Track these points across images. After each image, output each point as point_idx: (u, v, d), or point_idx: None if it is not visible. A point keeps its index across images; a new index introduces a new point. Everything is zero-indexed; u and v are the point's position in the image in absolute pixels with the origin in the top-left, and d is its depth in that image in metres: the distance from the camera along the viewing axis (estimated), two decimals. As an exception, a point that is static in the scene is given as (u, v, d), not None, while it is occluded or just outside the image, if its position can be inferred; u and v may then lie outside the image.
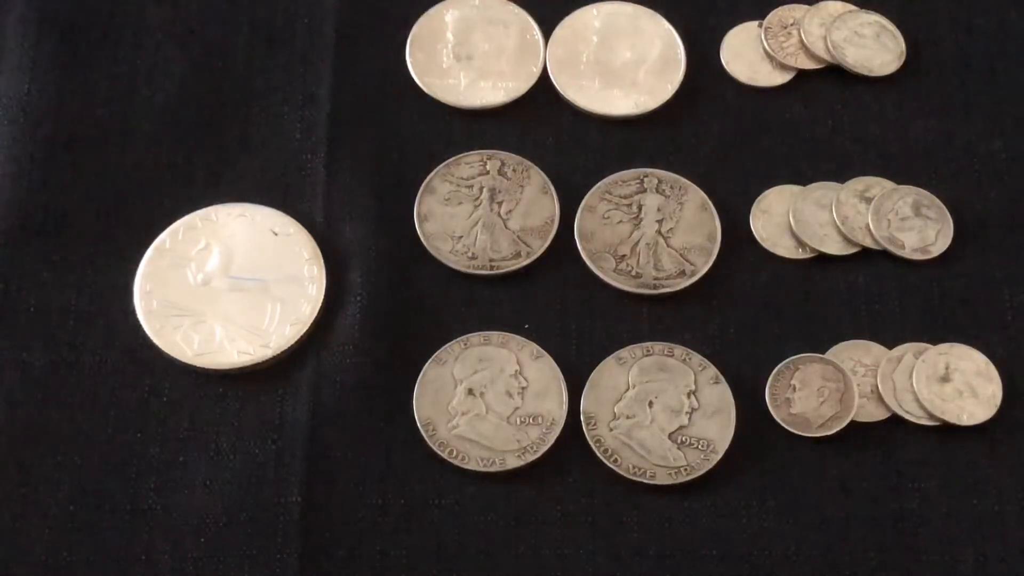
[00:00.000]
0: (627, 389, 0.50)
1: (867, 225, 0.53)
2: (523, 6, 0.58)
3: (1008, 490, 0.48)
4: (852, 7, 0.58)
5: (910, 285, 0.52)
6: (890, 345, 0.51)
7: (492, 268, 0.52)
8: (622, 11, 0.58)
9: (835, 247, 0.53)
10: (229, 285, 0.52)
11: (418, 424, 0.49)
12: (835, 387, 0.50)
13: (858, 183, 0.54)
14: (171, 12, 0.58)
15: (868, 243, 0.53)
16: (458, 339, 0.51)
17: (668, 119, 0.56)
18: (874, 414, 0.50)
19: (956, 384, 0.50)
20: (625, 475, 0.48)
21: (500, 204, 0.53)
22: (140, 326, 0.51)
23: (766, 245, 0.53)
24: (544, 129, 0.56)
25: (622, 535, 0.48)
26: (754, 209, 0.54)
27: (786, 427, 0.49)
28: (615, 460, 0.48)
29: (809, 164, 0.55)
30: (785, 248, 0.53)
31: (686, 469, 0.48)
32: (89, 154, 0.55)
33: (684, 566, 0.47)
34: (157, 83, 0.56)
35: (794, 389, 0.50)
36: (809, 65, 0.57)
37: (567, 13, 0.58)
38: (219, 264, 0.52)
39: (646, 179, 0.54)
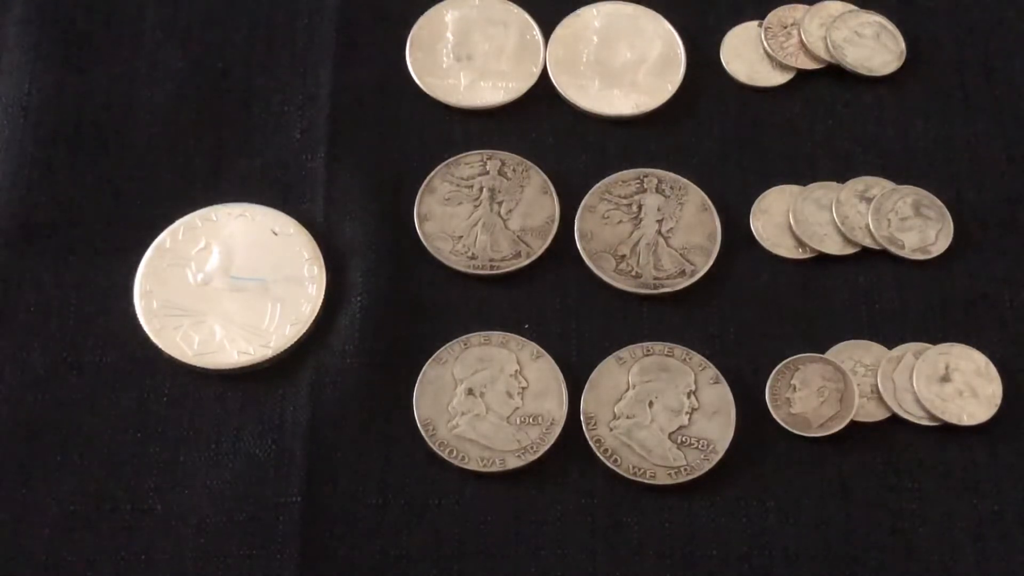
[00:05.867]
0: (627, 389, 0.50)
1: (867, 225, 0.53)
2: (523, 6, 0.58)
3: (1008, 490, 0.48)
4: (852, 7, 0.58)
5: (910, 285, 0.52)
6: (890, 345, 0.51)
7: (492, 268, 0.52)
8: (622, 11, 0.58)
9: (835, 247, 0.53)
10: (229, 285, 0.52)
11: (418, 424, 0.49)
12: (835, 387, 0.50)
13: (858, 183, 0.54)
14: (171, 12, 0.58)
15: (868, 243, 0.53)
16: (458, 339, 0.51)
17: (668, 119, 0.56)
18: (874, 414, 0.50)
19: (956, 384, 0.50)
20: (625, 475, 0.48)
21: (500, 204, 0.53)
22: (140, 326, 0.51)
23: (766, 245, 0.53)
24: (544, 129, 0.56)
25: (622, 535, 0.48)
26: (754, 209, 0.54)
27: (786, 427, 0.49)
28: (615, 460, 0.48)
29: (809, 164, 0.55)
30: (785, 248, 0.53)
31: (686, 469, 0.48)
32: (89, 154, 0.55)
33: (684, 566, 0.47)
34: (157, 83, 0.56)
35: (794, 389, 0.50)
36: (809, 65, 0.57)
37: (567, 13, 0.58)
38: (219, 264, 0.52)
39: (646, 179, 0.54)
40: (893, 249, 0.52)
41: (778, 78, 0.57)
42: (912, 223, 0.53)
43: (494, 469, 0.48)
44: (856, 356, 0.51)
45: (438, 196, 0.54)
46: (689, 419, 0.49)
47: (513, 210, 0.53)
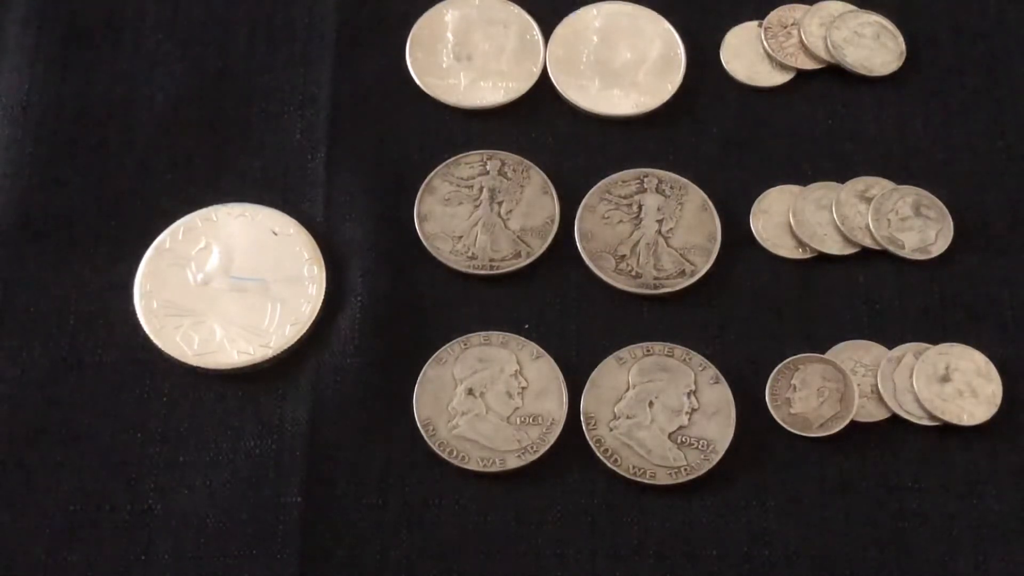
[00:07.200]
0: (627, 389, 0.50)
1: (867, 225, 0.53)
2: (523, 6, 0.58)
3: (1008, 490, 0.48)
4: (852, 7, 0.58)
5: (910, 285, 0.52)
6: (890, 345, 0.51)
7: (492, 268, 0.52)
8: (622, 11, 0.58)
9: (835, 247, 0.53)
10: (229, 285, 0.52)
11: (418, 424, 0.49)
12: (835, 387, 0.50)
13: (858, 183, 0.54)
14: (171, 12, 0.58)
15: (868, 243, 0.53)
16: (458, 339, 0.51)
17: (668, 119, 0.56)
18: (874, 414, 0.50)
19: (956, 384, 0.50)
20: (625, 475, 0.48)
21: (500, 204, 0.53)
22: (140, 326, 0.51)
23: (766, 245, 0.53)
24: (544, 129, 0.56)
25: (622, 535, 0.48)
26: (754, 209, 0.54)
27: (786, 427, 0.49)
28: (615, 460, 0.48)
29: (809, 164, 0.55)
30: (785, 248, 0.53)
31: (686, 469, 0.48)
32: (89, 154, 0.55)
33: (684, 566, 0.47)
34: (157, 83, 0.56)
35: (794, 389, 0.50)
36: (809, 65, 0.57)
37: (567, 13, 0.58)
38: (219, 264, 0.52)
39: (646, 179, 0.54)
40: (893, 249, 0.52)
41: (778, 78, 0.57)
42: (912, 223, 0.53)
43: (494, 469, 0.48)
44: (856, 356, 0.51)
45: (438, 196, 0.54)
46: (689, 419, 0.49)
47: (513, 210, 0.53)
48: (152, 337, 0.50)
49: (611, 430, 0.49)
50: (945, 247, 0.53)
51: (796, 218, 0.53)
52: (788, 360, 0.50)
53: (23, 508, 0.48)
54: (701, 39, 0.57)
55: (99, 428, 0.49)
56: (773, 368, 0.50)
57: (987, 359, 0.50)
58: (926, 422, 0.49)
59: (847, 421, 0.49)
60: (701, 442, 0.49)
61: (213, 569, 0.47)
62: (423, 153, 0.55)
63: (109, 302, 0.52)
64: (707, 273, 0.52)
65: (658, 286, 0.52)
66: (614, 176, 0.54)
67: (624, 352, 0.50)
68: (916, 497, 0.48)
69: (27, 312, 0.51)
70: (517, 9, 0.58)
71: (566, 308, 0.52)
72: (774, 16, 0.58)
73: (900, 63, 0.57)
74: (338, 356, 0.51)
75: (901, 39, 0.57)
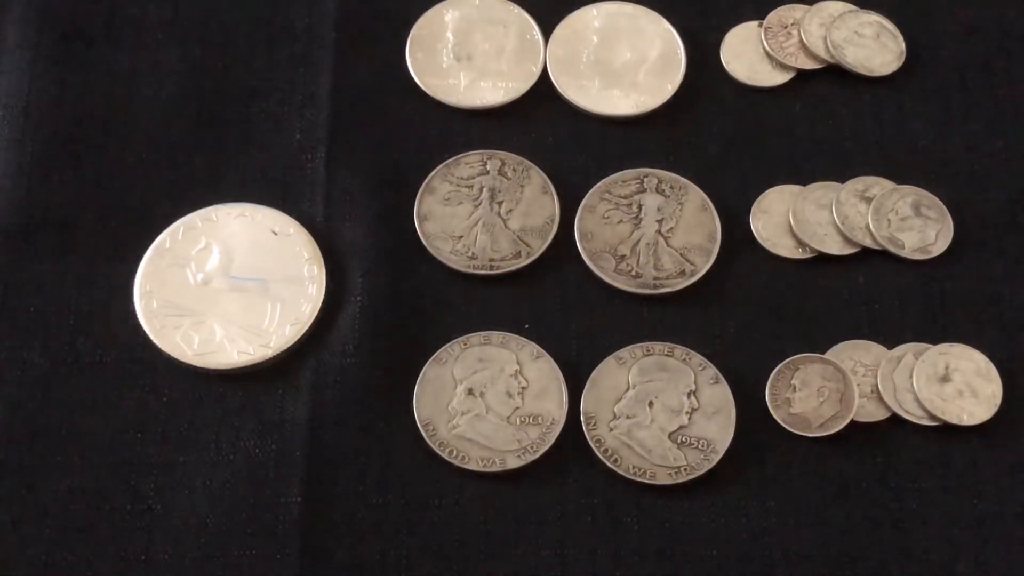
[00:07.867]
0: (627, 389, 0.50)
1: (867, 225, 0.53)
2: (523, 6, 0.58)
3: (1008, 490, 0.48)
4: (852, 7, 0.58)
5: (910, 285, 0.52)
6: (890, 345, 0.51)
7: (492, 268, 0.52)
8: (622, 11, 0.58)
9: (835, 247, 0.53)
10: (229, 285, 0.52)
11: (418, 424, 0.49)
12: (835, 387, 0.50)
13: (858, 183, 0.54)
14: (171, 12, 0.58)
15: (868, 243, 0.53)
16: (458, 339, 0.51)
17: (668, 119, 0.56)
18: (874, 414, 0.50)
19: (956, 384, 0.50)
20: (625, 475, 0.48)
21: (500, 204, 0.54)
22: (140, 326, 0.51)
23: (766, 245, 0.53)
24: (544, 129, 0.56)
25: (622, 535, 0.48)
26: (754, 209, 0.54)
27: (786, 427, 0.49)
28: (615, 460, 0.48)
29: (809, 164, 0.55)
30: (785, 248, 0.53)
31: (686, 469, 0.48)
32: (89, 154, 0.55)
33: (684, 566, 0.47)
34: (157, 83, 0.56)
35: (794, 389, 0.50)
36: (809, 65, 0.57)
37: (567, 13, 0.58)
38: (219, 264, 0.52)
39: (646, 179, 0.54)
40: (893, 249, 0.52)
41: (778, 78, 0.57)
42: (912, 223, 0.53)
43: (494, 469, 0.48)
44: (856, 356, 0.51)
45: (438, 196, 0.54)
46: (689, 419, 0.49)
47: (513, 210, 0.53)
48: (152, 337, 0.50)
49: (611, 430, 0.49)
50: (945, 247, 0.53)
51: (796, 218, 0.53)
52: (788, 360, 0.50)
53: (23, 508, 0.48)
54: (701, 39, 0.57)
55: (99, 428, 0.49)
56: (773, 368, 0.50)
57: (987, 359, 0.50)
58: (926, 422, 0.49)
59: (847, 421, 0.49)
60: (701, 442, 0.49)
61: (213, 569, 0.47)
62: (423, 153, 0.55)
63: (109, 302, 0.52)
64: (707, 273, 0.52)
65: (658, 286, 0.52)
66: (614, 176, 0.54)
67: (624, 352, 0.50)
68: (916, 497, 0.48)
69: (27, 312, 0.51)
70: (517, 9, 0.58)
71: (566, 308, 0.52)
72: (774, 16, 0.58)
73: (900, 63, 0.57)
74: (338, 356, 0.51)
75: (901, 39, 0.57)
